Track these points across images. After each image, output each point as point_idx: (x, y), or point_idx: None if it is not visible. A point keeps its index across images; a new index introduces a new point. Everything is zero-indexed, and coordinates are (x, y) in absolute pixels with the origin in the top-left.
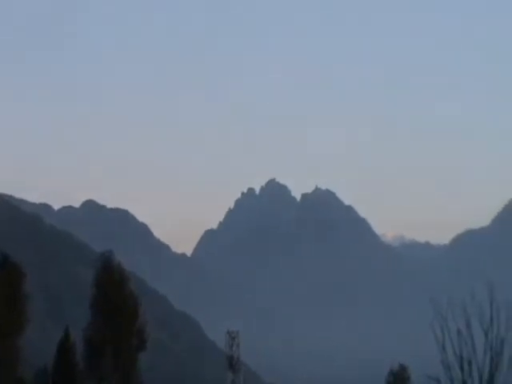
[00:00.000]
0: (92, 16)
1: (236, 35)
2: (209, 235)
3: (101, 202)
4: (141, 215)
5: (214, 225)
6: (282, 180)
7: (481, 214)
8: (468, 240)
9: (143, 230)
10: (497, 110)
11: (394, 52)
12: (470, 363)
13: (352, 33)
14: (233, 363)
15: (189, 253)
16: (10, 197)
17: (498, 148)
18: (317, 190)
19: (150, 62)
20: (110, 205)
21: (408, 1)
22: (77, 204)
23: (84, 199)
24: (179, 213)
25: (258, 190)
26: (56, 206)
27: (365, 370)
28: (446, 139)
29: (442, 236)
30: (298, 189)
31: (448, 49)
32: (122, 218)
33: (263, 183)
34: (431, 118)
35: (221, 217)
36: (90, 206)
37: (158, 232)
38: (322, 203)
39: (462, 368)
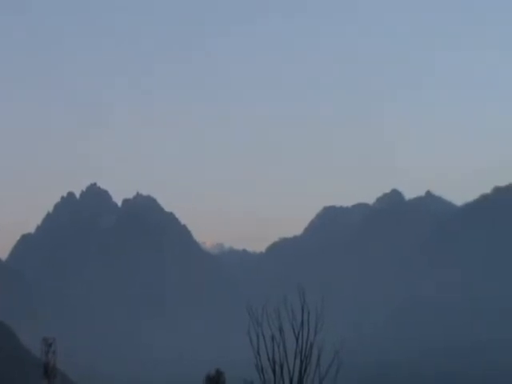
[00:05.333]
0: None
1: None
2: (26, 240)
3: None
4: None
5: (32, 229)
6: (103, 185)
7: (295, 223)
8: (282, 248)
9: None
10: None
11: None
12: (281, 366)
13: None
14: (48, 370)
15: (4, 258)
16: None
17: (309, 160)
18: (138, 195)
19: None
20: None
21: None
22: None
23: None
24: None
25: (78, 195)
26: None
27: (186, 379)
28: (264, 150)
29: (258, 244)
30: (119, 194)
31: None
32: None
33: (84, 187)
34: (253, 128)
35: (39, 221)
36: None
37: None
38: (144, 209)
39: (274, 371)
